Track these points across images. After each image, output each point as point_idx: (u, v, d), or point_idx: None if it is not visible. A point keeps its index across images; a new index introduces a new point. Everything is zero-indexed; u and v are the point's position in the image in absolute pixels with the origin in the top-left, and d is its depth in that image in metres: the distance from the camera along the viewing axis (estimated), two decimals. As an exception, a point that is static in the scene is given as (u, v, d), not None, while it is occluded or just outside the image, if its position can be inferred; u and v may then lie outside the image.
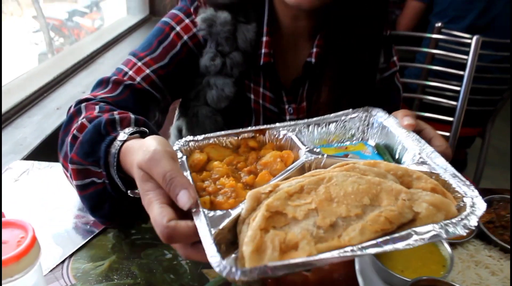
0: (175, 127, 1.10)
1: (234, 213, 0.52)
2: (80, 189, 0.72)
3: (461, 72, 2.00)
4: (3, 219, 0.55)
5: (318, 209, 0.50)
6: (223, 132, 0.70)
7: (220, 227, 0.50)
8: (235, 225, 0.51)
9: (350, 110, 0.77)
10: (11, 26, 2.02)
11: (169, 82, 0.94)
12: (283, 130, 0.71)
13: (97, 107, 0.78)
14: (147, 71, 0.91)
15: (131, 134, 0.66)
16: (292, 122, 0.72)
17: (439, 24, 2.18)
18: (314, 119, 0.74)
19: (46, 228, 0.79)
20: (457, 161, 3.10)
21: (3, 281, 0.50)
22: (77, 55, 1.76)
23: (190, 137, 0.68)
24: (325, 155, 0.63)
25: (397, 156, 0.70)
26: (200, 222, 0.50)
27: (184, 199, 0.51)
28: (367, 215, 0.50)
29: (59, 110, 1.37)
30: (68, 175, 0.73)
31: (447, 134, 2.11)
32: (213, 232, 0.49)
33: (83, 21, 2.71)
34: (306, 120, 0.74)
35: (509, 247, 0.77)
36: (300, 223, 0.49)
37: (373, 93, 1.00)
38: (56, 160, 0.94)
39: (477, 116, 2.51)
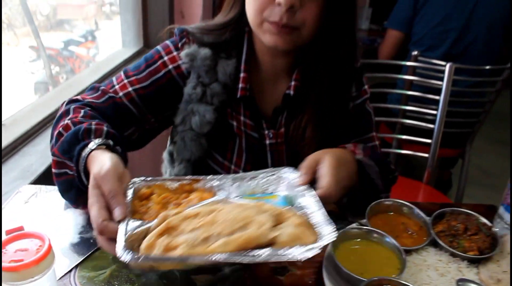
0: (167, 152, 1.22)
1: (149, 224, 0.71)
2: (56, 176, 0.93)
3: (438, 97, 2.13)
4: (24, 231, 0.67)
5: (202, 227, 0.68)
6: (168, 177, 0.90)
7: (134, 231, 0.70)
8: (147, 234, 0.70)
9: (270, 168, 0.93)
10: (7, 55, 2.11)
11: (148, 102, 1.08)
12: (216, 182, 0.88)
13: (82, 112, 0.97)
14: (130, 88, 1.07)
15: (99, 144, 0.85)
16: (222, 176, 0.89)
17: (416, 53, 2.33)
18: (240, 174, 0.90)
19: (54, 242, 0.89)
20: (442, 182, 3.24)
21: (25, 281, 0.62)
22: (76, 87, 1.86)
23: (143, 177, 0.85)
24: (231, 197, 0.83)
25: (295, 204, 0.85)
26: (122, 226, 0.70)
27: (117, 213, 0.72)
28: (234, 235, 0.67)
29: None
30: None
31: (426, 155, 2.22)
32: (128, 233, 0.69)
33: (78, 50, 2.75)
34: (232, 175, 0.90)
35: (456, 252, 0.88)
36: (185, 235, 0.68)
37: (347, 119, 1.13)
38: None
39: (456, 138, 2.62)
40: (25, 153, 1.36)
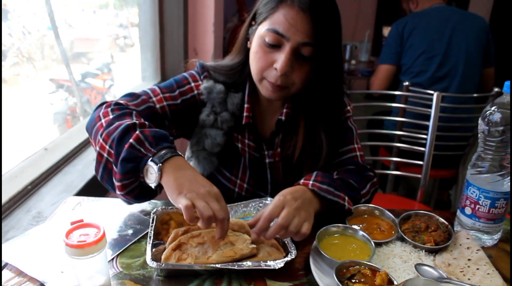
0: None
1: (167, 243, 1.04)
2: (131, 146, 1.01)
3: (428, 123, 2.32)
4: (86, 221, 0.91)
5: (204, 243, 1.02)
6: None
7: (157, 248, 1.04)
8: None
9: (257, 199, 1.29)
10: (27, 87, 2.19)
11: (175, 116, 1.29)
12: None
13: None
14: (164, 103, 1.27)
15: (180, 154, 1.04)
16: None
17: (407, 83, 2.55)
18: (235, 204, 1.26)
19: (98, 239, 1.13)
20: (442, 202, 3.40)
21: (87, 257, 0.85)
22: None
23: (164, 206, 1.18)
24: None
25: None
26: (149, 245, 1.03)
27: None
28: (225, 248, 0.99)
29: (94, 161, 1.74)
30: (107, 146, 1.06)
31: (420, 176, 2.41)
32: (153, 249, 1.03)
33: (94, 81, 2.89)
34: (230, 205, 1.23)
35: (417, 244, 1.10)
36: (192, 249, 1.01)
37: (331, 138, 1.31)
38: (99, 195, 1.30)
39: (450, 160, 2.81)
40: (66, 172, 1.62)
